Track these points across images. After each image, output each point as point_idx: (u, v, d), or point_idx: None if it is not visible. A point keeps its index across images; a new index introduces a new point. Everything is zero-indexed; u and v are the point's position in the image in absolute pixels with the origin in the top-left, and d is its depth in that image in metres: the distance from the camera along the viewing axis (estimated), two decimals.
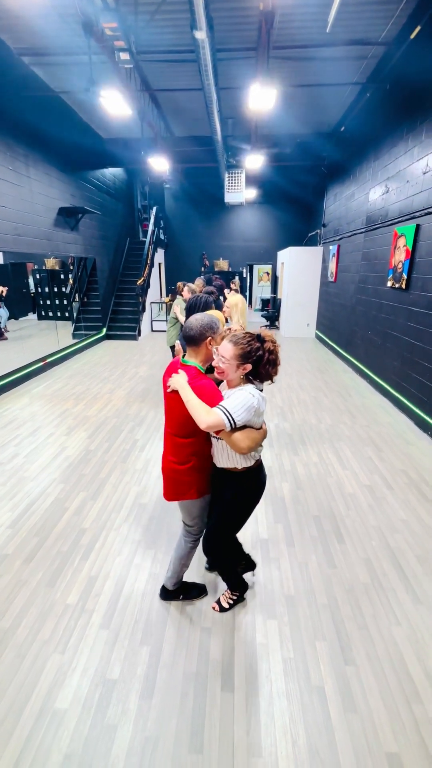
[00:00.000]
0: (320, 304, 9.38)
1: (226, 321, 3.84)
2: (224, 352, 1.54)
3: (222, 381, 1.72)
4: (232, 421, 1.46)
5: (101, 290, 9.06)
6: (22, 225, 5.75)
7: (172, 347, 5.00)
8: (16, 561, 2.34)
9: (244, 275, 12.77)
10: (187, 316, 2.74)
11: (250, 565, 2.18)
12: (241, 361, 1.53)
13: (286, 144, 8.29)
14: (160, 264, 12.45)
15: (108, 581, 2.19)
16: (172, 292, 12.81)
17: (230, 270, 12.77)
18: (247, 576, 2.21)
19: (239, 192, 8.95)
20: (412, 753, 1.43)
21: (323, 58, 5.30)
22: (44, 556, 2.38)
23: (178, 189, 12.23)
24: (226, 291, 6.28)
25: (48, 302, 7.22)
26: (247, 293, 13.63)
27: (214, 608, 2.01)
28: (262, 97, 4.77)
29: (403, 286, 4.63)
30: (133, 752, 1.43)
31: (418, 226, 4.33)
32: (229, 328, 1.77)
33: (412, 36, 4.37)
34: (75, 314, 8.17)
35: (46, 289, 7.13)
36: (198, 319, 1.65)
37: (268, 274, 13.76)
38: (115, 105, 4.89)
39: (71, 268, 7.78)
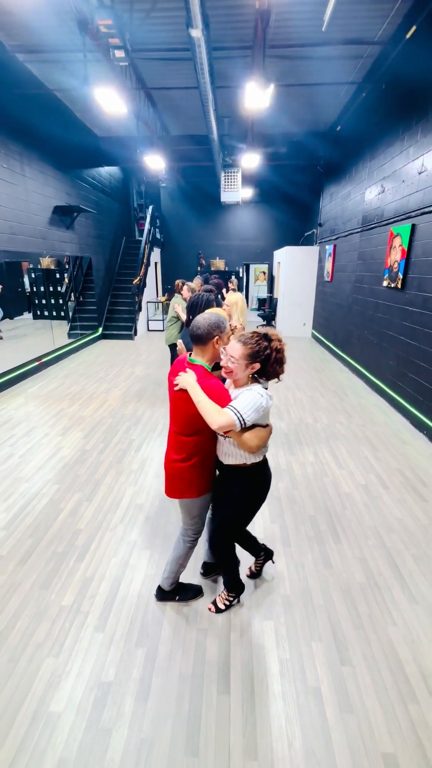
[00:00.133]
0: (316, 304, 9.40)
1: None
2: (233, 352, 1.55)
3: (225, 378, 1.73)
4: (242, 422, 1.48)
5: (97, 289, 9.02)
6: (17, 224, 5.70)
7: (171, 346, 4.97)
8: (10, 563, 2.32)
9: (241, 275, 12.75)
10: (189, 314, 2.72)
11: (269, 554, 2.22)
12: (250, 361, 1.55)
13: (282, 143, 8.28)
14: (156, 263, 12.41)
15: (103, 583, 2.18)
16: (169, 291, 12.79)
17: (226, 269, 12.75)
18: (268, 565, 2.27)
19: (235, 191, 8.94)
20: (407, 753, 1.43)
21: (319, 57, 5.29)
22: (39, 557, 2.36)
23: (174, 188, 12.20)
24: (224, 291, 6.27)
25: (43, 301, 7.18)
26: (244, 293, 13.62)
27: (210, 609, 2.01)
28: (257, 96, 4.75)
29: (399, 286, 4.64)
30: (129, 755, 1.42)
31: (413, 226, 4.33)
32: (234, 326, 1.77)
33: (408, 36, 4.37)
34: (71, 313, 8.13)
35: (42, 289, 7.08)
36: (206, 318, 1.64)
37: (264, 273, 13.76)
38: (110, 103, 4.86)
39: (67, 267, 7.73)
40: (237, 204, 9.93)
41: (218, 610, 1.99)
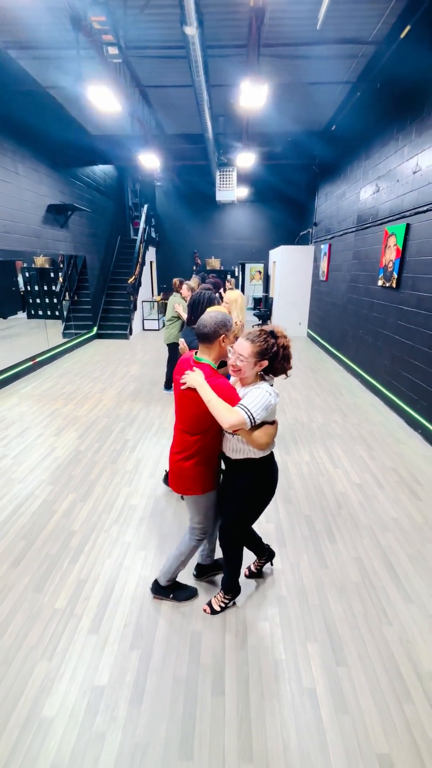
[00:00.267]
0: (312, 303, 9.41)
1: None
2: (242, 350, 1.56)
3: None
4: (252, 420, 1.49)
5: (92, 289, 8.96)
6: (10, 222, 5.65)
7: (171, 345, 4.94)
8: (2, 565, 2.29)
9: (236, 274, 12.74)
10: (191, 312, 2.70)
11: (271, 555, 2.23)
12: (258, 358, 1.57)
13: (278, 142, 8.28)
14: (151, 262, 12.37)
15: (97, 584, 2.16)
16: (164, 290, 12.76)
17: (222, 269, 12.74)
18: (267, 567, 2.27)
19: (231, 190, 8.93)
20: (403, 753, 1.42)
21: (314, 56, 5.29)
22: (32, 559, 2.34)
23: (169, 187, 12.16)
24: (221, 290, 6.24)
25: (38, 301, 7.12)
26: (239, 292, 13.61)
27: (205, 610, 1.99)
28: (252, 95, 4.74)
29: (394, 285, 4.65)
30: (122, 760, 1.40)
31: (408, 225, 4.34)
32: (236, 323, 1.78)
33: (402, 35, 4.37)
34: (65, 313, 8.08)
35: (36, 288, 7.03)
36: (212, 316, 1.64)
37: (260, 272, 13.76)
38: (104, 101, 4.82)
39: (61, 266, 7.68)
40: (232, 203, 9.93)
41: (213, 612, 1.98)
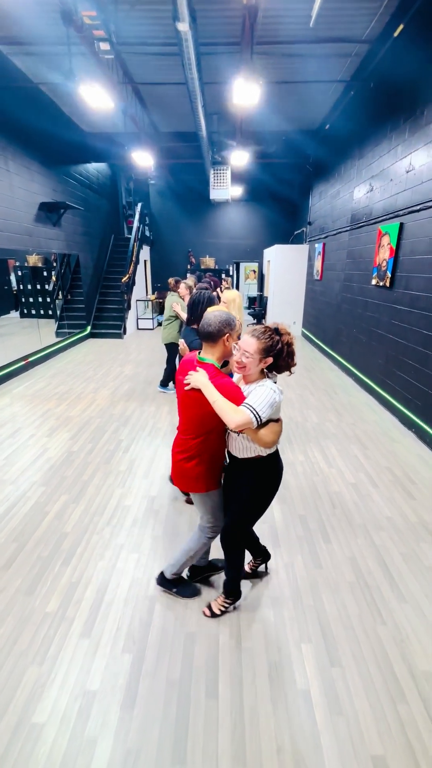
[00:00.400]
0: (306, 302, 9.42)
1: None
2: (247, 347, 1.56)
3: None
4: (258, 419, 1.48)
5: (85, 288, 8.90)
6: (2, 220, 5.58)
7: (168, 345, 4.90)
8: None
9: (231, 273, 12.72)
10: (191, 312, 2.68)
11: (267, 557, 2.22)
12: (263, 355, 1.57)
13: (272, 141, 8.27)
14: (145, 261, 12.31)
15: (89, 587, 2.13)
16: (158, 289, 12.70)
17: (216, 268, 12.72)
18: (261, 568, 2.27)
19: (225, 189, 8.90)
20: (397, 754, 1.42)
21: (307, 54, 5.28)
22: (23, 562, 2.30)
23: (163, 185, 12.10)
24: (218, 290, 6.21)
25: (31, 300, 7.05)
26: (237, 291, 13.60)
27: (204, 613, 1.97)
28: (246, 93, 4.72)
29: (388, 284, 4.65)
30: (114, 765, 1.38)
31: (401, 225, 4.35)
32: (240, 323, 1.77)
33: (395, 34, 4.38)
34: (58, 312, 8.00)
35: (29, 287, 6.95)
36: (216, 315, 1.63)
37: (254, 272, 13.76)
38: (96, 97, 4.77)
39: (54, 264, 7.60)
40: (226, 202, 9.90)
41: (213, 615, 1.96)
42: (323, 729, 1.49)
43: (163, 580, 2.06)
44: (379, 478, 3.24)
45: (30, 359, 6.37)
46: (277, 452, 1.76)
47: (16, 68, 5.72)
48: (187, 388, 1.62)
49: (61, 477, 3.20)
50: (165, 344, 4.93)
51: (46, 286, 7.40)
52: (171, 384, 5.22)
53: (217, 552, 2.33)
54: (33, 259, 6.73)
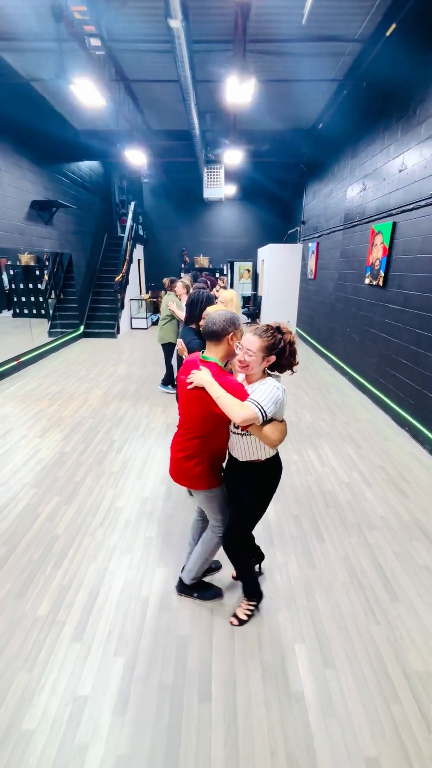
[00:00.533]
0: (300, 302, 9.43)
1: None
2: (250, 345, 1.54)
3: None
4: (264, 414, 1.47)
5: (78, 287, 8.82)
6: None
7: (165, 345, 4.87)
8: None
9: (225, 272, 12.70)
10: (189, 311, 2.65)
11: (260, 557, 2.22)
12: (266, 353, 1.56)
13: (265, 140, 8.26)
14: (139, 260, 12.24)
15: (81, 590, 2.10)
16: (152, 289, 12.65)
17: (210, 267, 12.69)
18: (255, 568, 2.23)
19: (218, 188, 8.87)
20: (391, 756, 1.41)
21: (300, 53, 5.27)
22: (14, 565, 2.27)
23: (156, 184, 12.04)
24: (215, 290, 6.19)
25: (23, 299, 6.97)
26: (234, 291, 13.58)
27: (232, 623, 1.93)
28: (239, 91, 4.70)
29: (381, 284, 4.66)
30: None
31: (394, 224, 4.36)
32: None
33: (388, 33, 4.38)
34: (51, 311, 7.93)
35: (21, 286, 6.88)
36: (221, 314, 1.62)
37: (248, 271, 13.75)
38: (87, 94, 4.73)
39: (47, 263, 7.53)
40: (220, 201, 9.87)
41: (241, 622, 1.92)
42: (317, 731, 1.48)
43: (183, 587, 2.04)
44: (373, 477, 3.25)
45: (22, 359, 6.30)
46: (277, 455, 1.75)
47: (6, 64, 5.64)
48: (190, 387, 1.61)
49: (53, 478, 3.17)
50: (161, 344, 4.90)
51: (39, 286, 7.32)
52: (170, 385, 5.21)
53: None
54: (25, 258, 6.65)
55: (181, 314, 4.41)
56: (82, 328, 9.08)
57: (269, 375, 1.64)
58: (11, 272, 6.62)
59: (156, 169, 10.42)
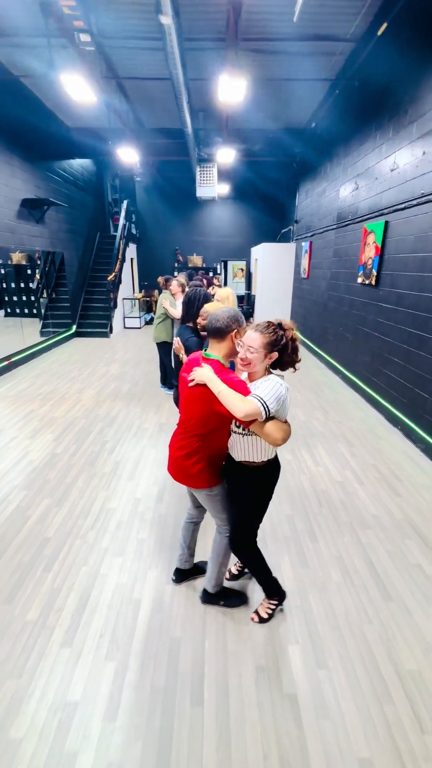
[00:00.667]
0: (294, 301, 9.44)
1: None
2: (251, 342, 1.51)
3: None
4: (267, 410, 1.44)
5: (70, 286, 8.74)
6: None
7: (160, 344, 4.82)
8: None
9: (219, 271, 12.68)
10: (185, 310, 2.62)
11: None
12: (268, 350, 1.53)
13: (258, 139, 8.25)
14: (132, 259, 12.17)
15: (72, 594, 2.07)
16: (145, 288, 12.58)
17: (204, 266, 12.65)
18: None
19: (211, 186, 8.84)
20: (384, 757, 1.40)
21: (292, 52, 5.26)
22: (3, 569, 2.23)
23: (149, 183, 11.98)
24: (210, 288, 6.17)
25: (14, 298, 6.89)
26: (230, 289, 13.57)
27: (253, 619, 1.92)
28: (231, 89, 4.68)
29: (373, 283, 4.67)
30: None
31: (386, 223, 4.37)
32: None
33: (379, 33, 4.39)
34: (42, 311, 7.84)
35: (12, 285, 6.79)
36: (225, 310, 1.60)
37: (242, 270, 13.74)
38: (78, 91, 4.67)
39: (38, 262, 7.44)
40: (213, 200, 9.84)
41: (261, 620, 1.91)
42: (310, 733, 1.47)
43: (208, 597, 1.99)
44: (366, 476, 3.25)
45: (13, 359, 6.22)
46: (276, 459, 1.73)
47: None
48: (191, 384, 1.59)
49: (43, 480, 3.12)
50: (156, 344, 4.86)
51: (30, 285, 7.24)
52: (166, 386, 5.18)
53: (202, 554, 2.30)
54: (17, 257, 6.57)
55: (174, 312, 4.38)
56: (74, 327, 9.00)
57: (271, 373, 1.62)
58: (2, 271, 6.53)
59: (149, 168, 10.36)
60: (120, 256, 10.01)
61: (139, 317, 10.53)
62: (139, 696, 1.59)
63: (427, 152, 3.56)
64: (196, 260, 12.69)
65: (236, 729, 1.49)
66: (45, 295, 7.96)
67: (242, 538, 1.82)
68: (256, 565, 1.89)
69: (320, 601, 2.06)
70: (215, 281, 6.75)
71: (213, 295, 3.52)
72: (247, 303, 11.77)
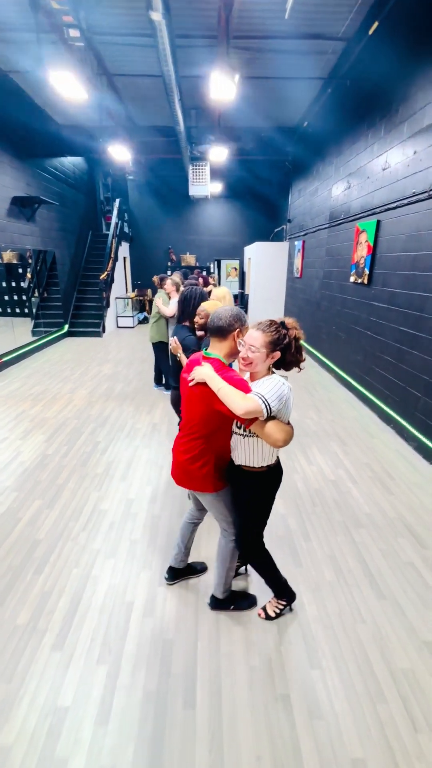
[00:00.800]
0: (287, 300, 9.45)
1: None
2: (253, 341, 1.48)
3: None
4: (268, 408, 1.40)
5: (62, 285, 8.66)
6: None
7: (156, 344, 4.78)
8: None
9: (212, 270, 12.66)
10: (181, 309, 2.59)
11: (246, 558, 2.16)
12: (271, 349, 1.49)
13: (250, 138, 8.24)
14: (124, 258, 12.10)
15: (63, 596, 2.04)
16: (138, 287, 12.51)
17: (197, 265, 12.62)
18: (242, 570, 2.22)
19: (204, 185, 8.81)
20: (377, 757, 1.40)
21: (284, 50, 5.25)
22: None
23: (142, 181, 11.91)
24: (206, 288, 6.14)
25: (5, 298, 6.80)
26: (226, 288, 13.54)
27: (259, 615, 1.92)
28: (223, 87, 4.65)
29: (366, 282, 4.69)
30: None
31: (378, 222, 4.38)
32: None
33: (371, 32, 4.40)
34: (34, 310, 7.76)
35: (3, 284, 6.70)
36: (227, 309, 1.58)
37: (235, 269, 13.73)
38: (68, 87, 4.61)
39: (29, 261, 7.36)
40: (206, 198, 9.82)
41: (268, 617, 1.91)
42: (302, 734, 1.47)
43: (216, 603, 1.97)
44: (359, 475, 3.26)
45: (4, 359, 6.15)
46: (278, 464, 1.72)
47: None
48: (191, 383, 1.57)
49: (34, 481, 3.09)
50: (152, 343, 4.81)
51: (21, 284, 7.15)
52: (162, 386, 5.15)
53: (196, 555, 2.29)
54: (7, 256, 6.49)
55: (166, 310, 4.35)
56: (66, 327, 8.93)
57: (275, 373, 1.59)
58: None
59: (141, 166, 10.30)
60: (112, 255, 9.93)
61: (132, 316, 10.47)
62: (131, 699, 1.58)
63: (418, 151, 3.58)
64: (190, 259, 12.65)
65: (229, 731, 1.47)
66: (36, 294, 7.88)
67: (248, 543, 1.81)
68: (265, 569, 1.89)
69: (313, 600, 2.05)
70: (211, 280, 6.73)
71: (209, 293, 3.50)
72: (240, 302, 11.77)
